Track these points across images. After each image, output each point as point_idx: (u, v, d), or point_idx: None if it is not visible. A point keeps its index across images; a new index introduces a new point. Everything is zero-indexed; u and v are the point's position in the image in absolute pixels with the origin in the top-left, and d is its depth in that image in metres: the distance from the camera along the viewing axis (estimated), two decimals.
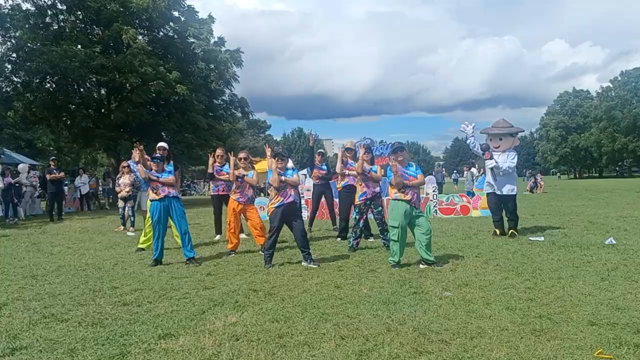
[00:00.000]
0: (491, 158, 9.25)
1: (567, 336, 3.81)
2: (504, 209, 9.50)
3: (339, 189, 9.60)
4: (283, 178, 6.92)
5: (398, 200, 6.66)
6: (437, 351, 3.57)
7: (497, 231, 9.37)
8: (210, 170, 9.74)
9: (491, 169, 9.33)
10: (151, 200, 7.40)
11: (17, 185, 16.23)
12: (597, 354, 3.44)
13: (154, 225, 7.33)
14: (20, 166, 17.75)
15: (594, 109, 76.14)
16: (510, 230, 9.28)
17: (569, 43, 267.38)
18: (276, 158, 7.00)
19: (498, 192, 9.42)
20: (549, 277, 5.80)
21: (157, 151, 8.64)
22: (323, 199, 11.21)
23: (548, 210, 14.81)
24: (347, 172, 9.23)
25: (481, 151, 9.42)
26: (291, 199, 6.96)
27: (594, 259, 6.83)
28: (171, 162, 7.96)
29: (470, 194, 15.03)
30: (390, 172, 6.66)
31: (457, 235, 9.68)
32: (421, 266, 6.58)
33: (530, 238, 8.86)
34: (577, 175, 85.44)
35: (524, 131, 10.08)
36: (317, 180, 10.78)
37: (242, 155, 8.48)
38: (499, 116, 10.02)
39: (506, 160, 9.33)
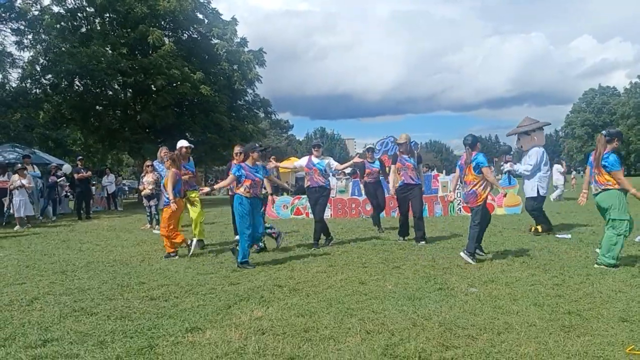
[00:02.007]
0: (506, 162, 9.33)
1: (597, 332, 3.73)
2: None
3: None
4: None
5: (618, 190, 5.89)
6: (464, 346, 3.53)
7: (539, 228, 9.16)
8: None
9: (507, 172, 9.39)
10: (241, 195, 6.95)
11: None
12: (629, 351, 3.37)
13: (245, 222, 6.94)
14: (65, 166, 18.18)
15: (622, 105, 74.61)
16: (530, 226, 9.32)
17: (597, 39, 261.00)
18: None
19: (525, 194, 9.46)
20: (577, 273, 5.70)
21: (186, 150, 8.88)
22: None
23: (575, 208, 14.53)
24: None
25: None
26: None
27: (623, 256, 6.66)
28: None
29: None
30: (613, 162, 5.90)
31: None
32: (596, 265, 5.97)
33: (557, 235, 8.72)
34: None
35: (543, 126, 9.51)
36: (368, 178, 10.69)
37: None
38: (525, 114, 9.94)
39: (523, 162, 9.30)
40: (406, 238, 8.79)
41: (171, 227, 7.81)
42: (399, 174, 8.61)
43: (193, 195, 8.73)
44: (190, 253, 7.77)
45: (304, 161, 8.85)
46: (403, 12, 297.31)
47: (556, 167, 19.65)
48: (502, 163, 9.73)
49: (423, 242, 8.32)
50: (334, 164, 8.78)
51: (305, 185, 9.04)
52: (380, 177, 10.69)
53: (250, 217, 6.94)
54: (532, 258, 6.75)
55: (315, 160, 8.57)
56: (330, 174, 9.29)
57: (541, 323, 3.97)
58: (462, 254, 6.65)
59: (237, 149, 9.62)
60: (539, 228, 9.13)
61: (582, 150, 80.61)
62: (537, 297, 4.75)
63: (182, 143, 9.04)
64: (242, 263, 6.72)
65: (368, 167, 10.63)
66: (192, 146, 9.27)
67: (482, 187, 6.66)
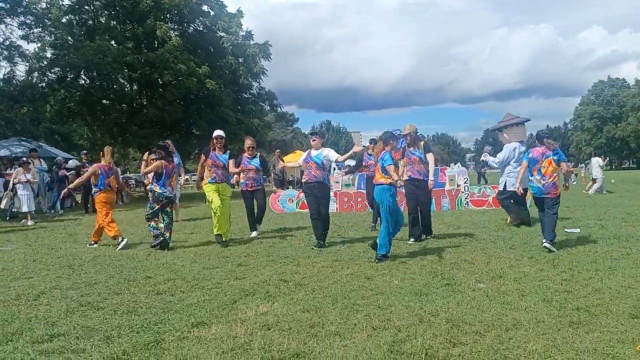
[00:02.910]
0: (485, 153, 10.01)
1: (607, 329, 3.69)
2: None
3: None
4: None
5: None
6: (472, 342, 3.50)
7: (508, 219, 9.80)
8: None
9: (482, 162, 10.27)
10: (391, 185, 6.82)
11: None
12: None
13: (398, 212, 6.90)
14: (70, 162, 18.27)
15: (632, 97, 73.96)
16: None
17: (607, 30, 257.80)
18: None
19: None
20: (586, 269, 5.64)
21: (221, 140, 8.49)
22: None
23: (584, 202, 14.43)
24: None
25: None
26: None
27: (633, 251, 6.62)
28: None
29: None
30: None
31: (490, 227, 9.52)
32: None
33: (566, 230, 8.65)
34: (614, 166, 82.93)
35: (514, 122, 10.00)
36: (366, 171, 10.00)
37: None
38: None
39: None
40: (416, 240, 8.02)
41: (107, 216, 8.50)
42: (406, 167, 8.11)
43: (223, 188, 8.38)
44: (120, 247, 8.15)
45: (303, 156, 8.34)
46: (411, 4, 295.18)
47: (596, 160, 19.29)
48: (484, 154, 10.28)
49: (430, 237, 8.14)
50: (334, 156, 8.07)
51: (303, 180, 8.39)
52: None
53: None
54: (540, 253, 6.70)
55: (313, 153, 8.03)
56: (334, 166, 8.94)
57: (550, 319, 3.94)
58: (546, 244, 6.78)
59: (248, 142, 9.32)
60: (508, 219, 9.72)
61: (590, 143, 79.99)
62: (546, 292, 4.71)
63: (214, 133, 8.68)
64: (383, 257, 6.49)
65: (365, 159, 9.87)
66: (222, 136, 8.61)
67: (558, 179, 7.04)
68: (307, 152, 8.29)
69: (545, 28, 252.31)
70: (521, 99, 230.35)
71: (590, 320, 3.89)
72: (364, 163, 9.85)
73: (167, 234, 8.13)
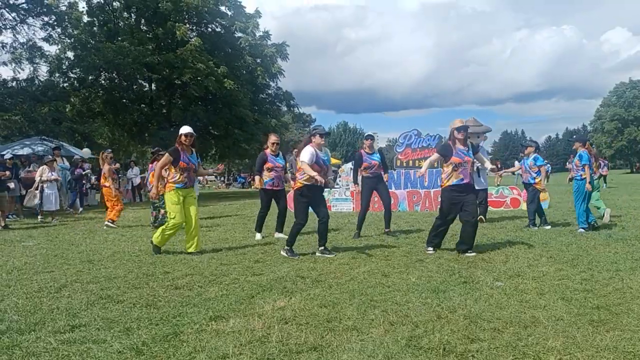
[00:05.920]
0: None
1: (627, 327, 3.64)
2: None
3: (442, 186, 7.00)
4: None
5: None
6: (490, 339, 3.48)
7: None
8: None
9: (477, 169, 9.97)
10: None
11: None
12: None
13: None
14: (84, 150, 18.53)
15: None
16: (479, 216, 9.70)
17: (632, 31, 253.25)
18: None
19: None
20: (606, 269, 5.57)
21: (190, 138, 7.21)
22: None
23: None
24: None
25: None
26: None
27: None
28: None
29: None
30: None
31: (508, 227, 9.45)
32: None
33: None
34: (634, 169, 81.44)
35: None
36: (368, 173, 8.72)
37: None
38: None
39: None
40: (437, 250, 7.12)
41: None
42: (456, 170, 6.70)
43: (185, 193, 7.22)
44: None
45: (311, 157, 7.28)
46: (432, 5, 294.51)
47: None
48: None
49: (473, 253, 6.71)
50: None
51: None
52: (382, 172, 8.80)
53: None
54: (559, 253, 6.63)
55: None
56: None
57: (569, 317, 3.89)
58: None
59: (273, 137, 8.79)
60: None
61: (611, 145, 78.68)
62: (565, 291, 4.66)
63: (184, 130, 7.32)
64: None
65: (366, 159, 8.64)
66: (193, 133, 7.36)
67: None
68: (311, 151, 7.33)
69: (567, 29, 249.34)
70: (540, 101, 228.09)
71: (611, 319, 3.84)
72: (364, 164, 8.69)
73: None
